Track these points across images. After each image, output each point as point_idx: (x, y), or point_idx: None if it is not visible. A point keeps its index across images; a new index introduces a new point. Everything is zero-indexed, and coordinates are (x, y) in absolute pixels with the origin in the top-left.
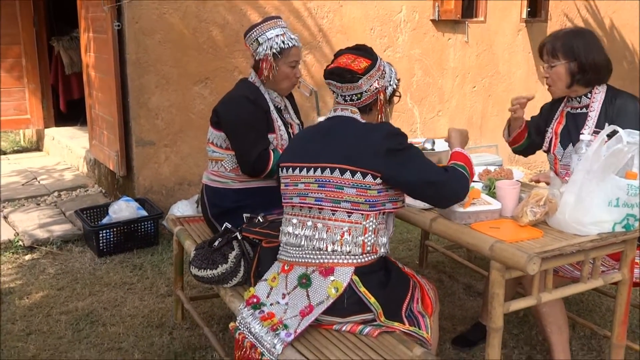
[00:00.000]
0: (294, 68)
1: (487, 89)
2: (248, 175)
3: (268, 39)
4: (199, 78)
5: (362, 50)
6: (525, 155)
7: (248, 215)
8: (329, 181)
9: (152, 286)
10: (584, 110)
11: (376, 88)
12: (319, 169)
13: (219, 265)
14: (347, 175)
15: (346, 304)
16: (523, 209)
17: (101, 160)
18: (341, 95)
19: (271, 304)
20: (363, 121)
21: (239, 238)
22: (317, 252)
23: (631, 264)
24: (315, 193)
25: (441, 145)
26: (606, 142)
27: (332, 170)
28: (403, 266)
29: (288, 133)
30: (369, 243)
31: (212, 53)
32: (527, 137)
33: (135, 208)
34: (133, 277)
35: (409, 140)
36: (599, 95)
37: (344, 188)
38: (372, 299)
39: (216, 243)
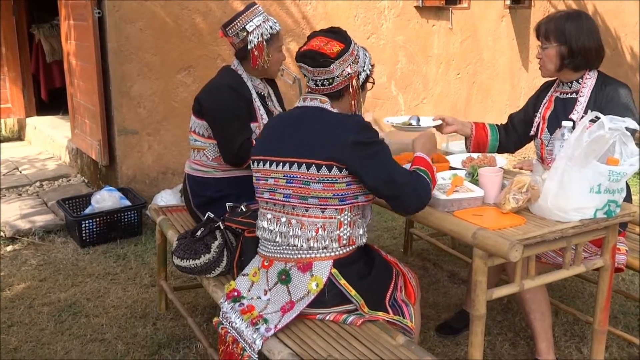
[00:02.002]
0: (280, 52)
1: (471, 75)
2: (230, 165)
3: (257, 26)
4: (182, 66)
5: (336, 33)
6: (513, 151)
7: (231, 204)
8: (296, 177)
9: (135, 276)
10: (574, 95)
11: (348, 73)
12: (287, 164)
13: (202, 255)
14: (313, 169)
15: (327, 296)
16: (506, 196)
17: (83, 149)
18: (312, 80)
19: (252, 298)
20: (333, 110)
21: (222, 228)
22: (293, 248)
23: (613, 250)
24: (283, 189)
25: (426, 122)
26: (588, 128)
27: (299, 165)
28: (386, 254)
29: None
30: (345, 236)
31: (195, 41)
32: (492, 136)
33: (118, 198)
34: (116, 267)
35: (380, 134)
36: (589, 81)
37: (311, 184)
38: (353, 292)
39: (199, 233)
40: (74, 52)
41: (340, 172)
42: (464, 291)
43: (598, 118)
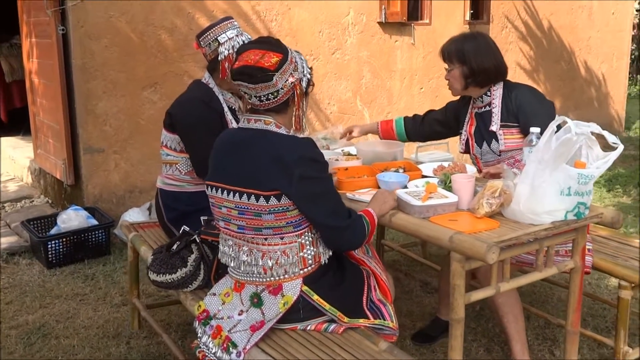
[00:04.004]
0: None
1: (434, 90)
2: (203, 179)
3: (229, 39)
4: (148, 83)
5: (269, 44)
6: (422, 141)
7: (205, 218)
8: (247, 208)
9: (105, 296)
10: (488, 108)
11: (292, 82)
12: (237, 194)
13: (178, 269)
14: (262, 201)
15: (302, 313)
16: (479, 201)
17: (47, 169)
18: (255, 97)
19: (221, 318)
20: (279, 131)
21: (198, 241)
22: (259, 275)
23: (582, 252)
24: (236, 220)
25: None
26: (555, 132)
27: (249, 196)
28: (354, 253)
29: None
30: (309, 257)
31: (161, 57)
32: (397, 129)
33: (85, 217)
34: (85, 287)
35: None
36: (497, 91)
37: (262, 215)
38: (327, 306)
39: (174, 247)
40: (37, 70)
41: (290, 200)
42: (437, 299)
43: (565, 123)
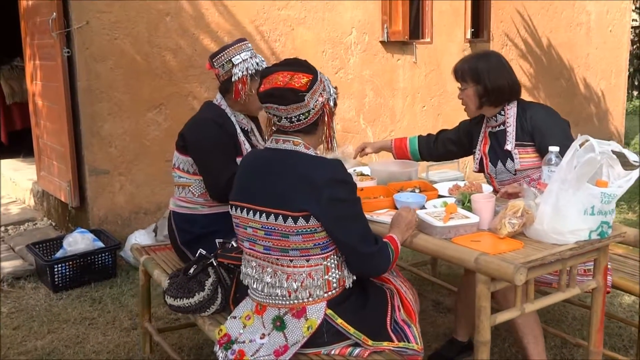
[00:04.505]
0: None
1: (436, 108)
2: (217, 201)
3: (243, 60)
4: (153, 104)
5: (297, 65)
6: (434, 161)
7: (221, 240)
8: (274, 229)
9: (114, 320)
10: (502, 127)
11: (322, 102)
12: (264, 214)
13: (196, 294)
14: (290, 222)
15: (326, 337)
16: (501, 221)
17: (51, 191)
18: (286, 118)
19: (243, 342)
20: (308, 152)
21: (215, 264)
22: (283, 297)
23: (604, 271)
24: (262, 241)
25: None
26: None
27: (276, 216)
28: None
29: None
30: (334, 280)
31: (166, 78)
32: (411, 148)
33: (91, 239)
34: (93, 311)
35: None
36: (511, 110)
37: (289, 236)
38: (352, 330)
39: (191, 270)
40: (41, 93)
41: (318, 221)
42: (450, 319)
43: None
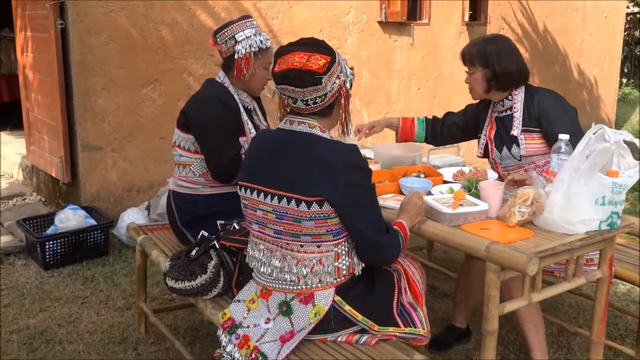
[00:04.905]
0: (267, 70)
1: (431, 90)
2: (219, 181)
3: (247, 37)
4: (148, 80)
5: (315, 46)
6: (438, 145)
7: (222, 222)
8: (286, 213)
9: (107, 299)
10: (509, 112)
11: (339, 85)
12: (276, 197)
13: (198, 276)
14: (303, 206)
15: (333, 323)
16: (511, 209)
17: (41, 166)
18: (302, 100)
19: (247, 326)
20: (324, 136)
21: (217, 247)
22: (291, 282)
23: (610, 262)
24: (273, 224)
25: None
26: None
27: (289, 200)
28: None
29: None
30: (344, 267)
31: (161, 54)
32: (418, 129)
33: (83, 217)
34: (85, 290)
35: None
36: (518, 96)
37: (302, 221)
38: (360, 316)
39: (193, 252)
40: (32, 65)
41: (332, 207)
42: (447, 305)
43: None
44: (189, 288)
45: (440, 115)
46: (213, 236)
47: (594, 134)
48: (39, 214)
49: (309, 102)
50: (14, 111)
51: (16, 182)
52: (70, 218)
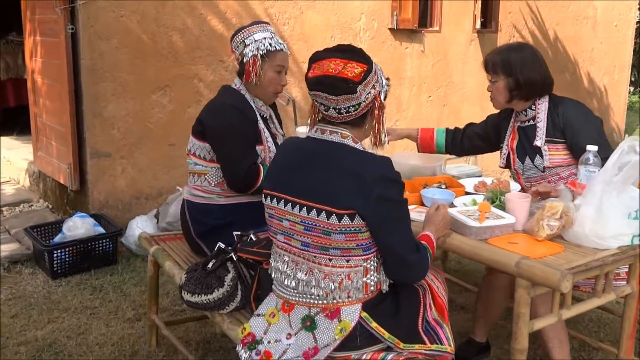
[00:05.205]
0: (279, 74)
1: (442, 98)
2: (235, 191)
3: (255, 41)
4: (158, 86)
5: (352, 53)
6: (459, 156)
7: (238, 233)
8: (315, 225)
9: (117, 310)
10: (532, 122)
11: (374, 95)
12: (305, 208)
13: (215, 290)
14: (333, 219)
15: (359, 340)
16: (539, 223)
17: (49, 173)
18: (334, 109)
19: (268, 342)
20: (357, 147)
21: (235, 259)
22: (317, 297)
23: (639, 277)
24: (300, 236)
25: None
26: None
27: (319, 212)
28: None
29: (275, 144)
30: (372, 283)
31: (172, 59)
32: (438, 141)
33: (91, 224)
34: (94, 300)
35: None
36: (542, 105)
37: (332, 234)
38: (387, 334)
39: (210, 265)
40: (41, 70)
41: (363, 221)
42: (463, 317)
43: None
44: (205, 302)
45: (454, 124)
46: (229, 248)
47: (626, 146)
48: (47, 222)
49: (342, 111)
50: (21, 116)
51: (23, 188)
52: (79, 226)
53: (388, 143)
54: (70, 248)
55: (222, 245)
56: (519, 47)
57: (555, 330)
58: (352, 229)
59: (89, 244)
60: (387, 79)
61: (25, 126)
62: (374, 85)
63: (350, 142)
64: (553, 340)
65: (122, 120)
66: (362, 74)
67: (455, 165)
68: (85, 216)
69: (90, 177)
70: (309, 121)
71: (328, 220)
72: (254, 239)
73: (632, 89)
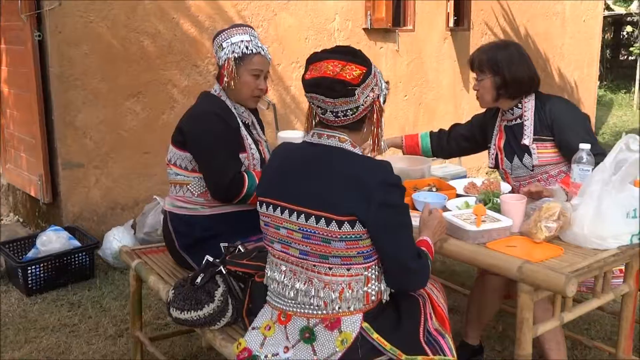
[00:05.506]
0: (257, 78)
1: (417, 97)
2: (220, 201)
3: (232, 44)
4: (130, 92)
5: (350, 55)
6: (446, 158)
7: (226, 245)
8: (314, 232)
9: (97, 327)
10: (519, 120)
11: (372, 99)
12: (303, 215)
13: (205, 305)
14: (333, 226)
15: (360, 352)
16: (537, 225)
17: (19, 185)
18: (332, 112)
19: (266, 356)
20: (355, 151)
21: (224, 272)
22: (317, 307)
23: (636, 276)
24: (299, 244)
25: None
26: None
27: (317, 219)
28: None
29: (258, 151)
30: (373, 292)
31: (144, 65)
32: (423, 146)
33: (66, 238)
34: (73, 317)
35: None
36: (529, 103)
37: (332, 242)
38: (388, 345)
39: (198, 280)
40: (7, 79)
41: (364, 228)
42: (453, 320)
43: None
44: (195, 318)
45: (430, 123)
46: (218, 261)
47: (623, 144)
48: (19, 237)
49: (339, 114)
50: None
51: None
52: (53, 240)
53: (387, 149)
54: (45, 263)
55: (211, 259)
56: (504, 45)
57: (552, 332)
58: (353, 236)
59: (65, 259)
60: (387, 82)
61: None
62: (372, 89)
63: (348, 147)
64: (550, 342)
65: (94, 129)
66: (361, 77)
67: (440, 166)
68: (60, 229)
69: (63, 189)
70: (305, 126)
71: (328, 227)
72: (242, 250)
73: (598, 82)
